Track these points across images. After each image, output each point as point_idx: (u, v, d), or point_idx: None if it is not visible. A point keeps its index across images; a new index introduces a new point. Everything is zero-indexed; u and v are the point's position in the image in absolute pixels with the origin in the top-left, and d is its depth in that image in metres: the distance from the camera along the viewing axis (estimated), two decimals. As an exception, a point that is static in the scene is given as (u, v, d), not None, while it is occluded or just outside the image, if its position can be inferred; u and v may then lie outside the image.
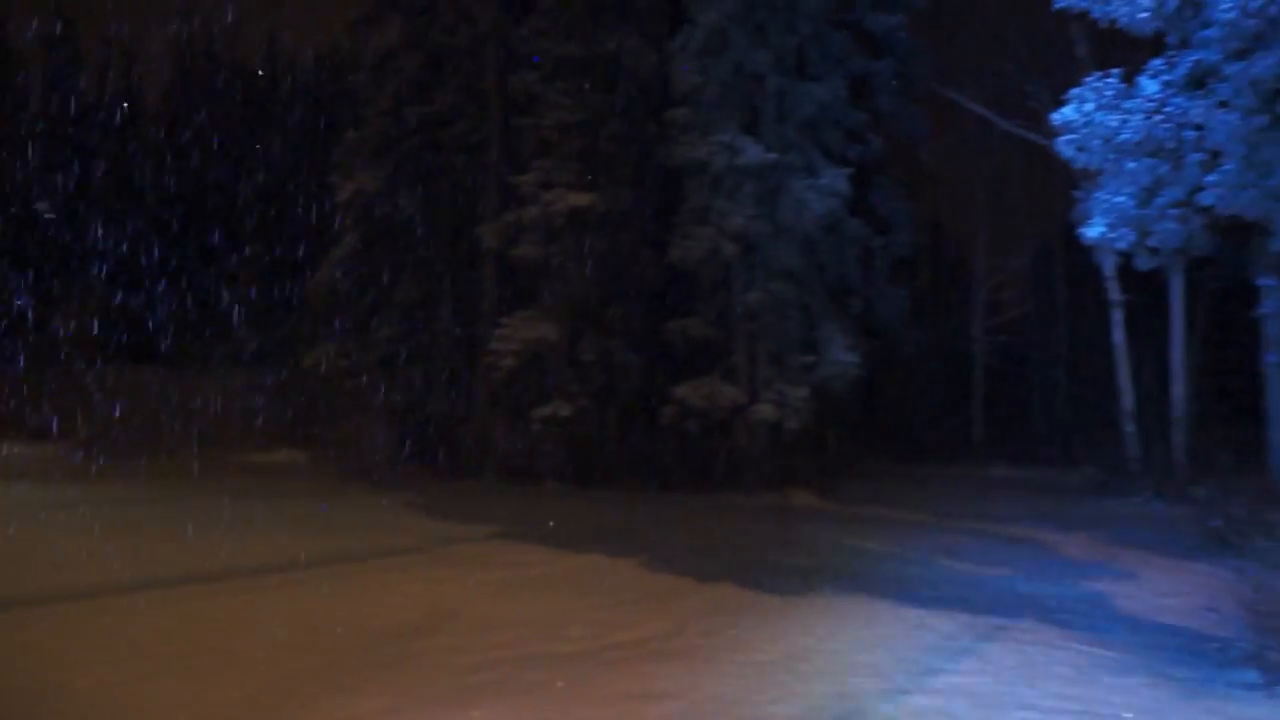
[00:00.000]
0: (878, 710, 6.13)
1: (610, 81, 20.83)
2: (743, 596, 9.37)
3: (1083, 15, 7.59)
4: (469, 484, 19.59)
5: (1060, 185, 21.87)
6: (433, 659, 7.00)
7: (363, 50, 23.93)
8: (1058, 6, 7.66)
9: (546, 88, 20.34)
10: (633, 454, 21.13)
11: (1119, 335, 21.94)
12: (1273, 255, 8.48)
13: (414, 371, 23.16)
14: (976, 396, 32.59)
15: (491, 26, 22.18)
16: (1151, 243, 8.18)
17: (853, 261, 20.71)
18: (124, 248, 30.71)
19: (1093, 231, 8.25)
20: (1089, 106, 7.50)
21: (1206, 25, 7.03)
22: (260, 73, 39.51)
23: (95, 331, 27.59)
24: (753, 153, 19.01)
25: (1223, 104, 6.96)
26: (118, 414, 22.44)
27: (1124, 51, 10.39)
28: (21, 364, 24.70)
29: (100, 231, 30.30)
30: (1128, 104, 7.37)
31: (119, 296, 29.93)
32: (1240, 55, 6.84)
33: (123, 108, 36.08)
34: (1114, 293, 21.81)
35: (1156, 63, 7.68)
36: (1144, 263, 8.72)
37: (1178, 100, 7.30)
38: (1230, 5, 6.68)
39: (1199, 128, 7.08)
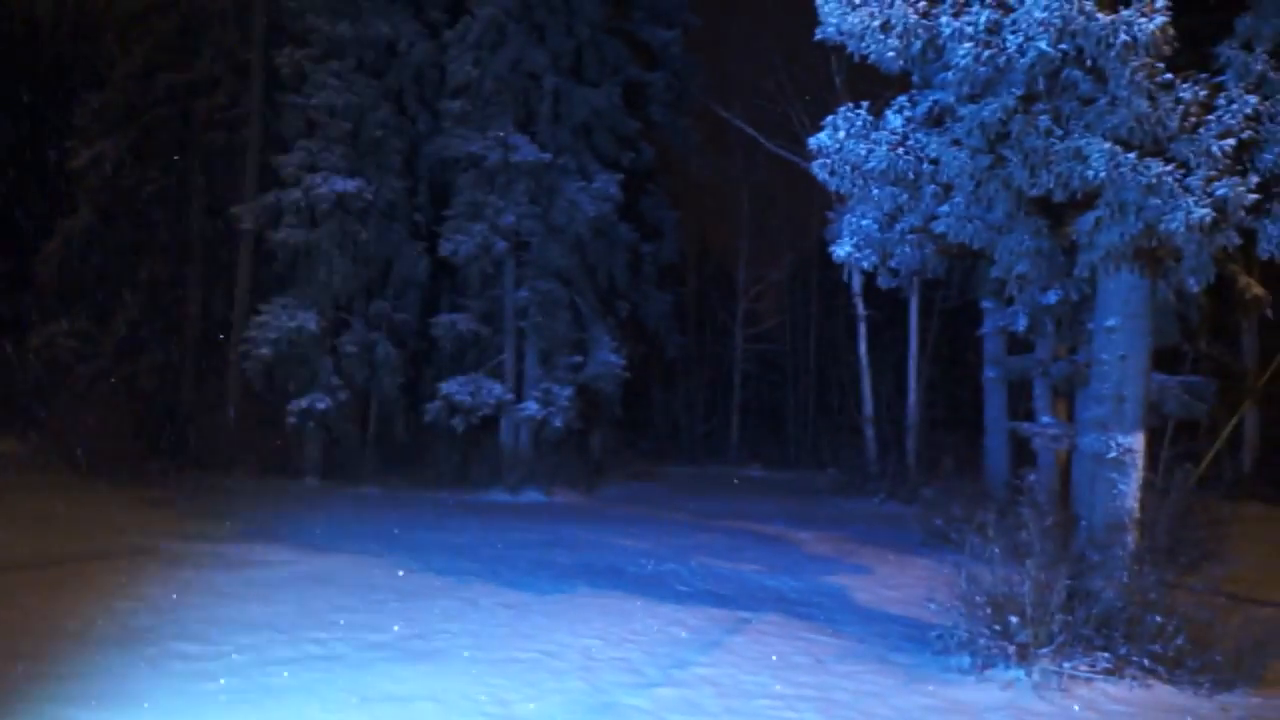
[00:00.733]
0: (627, 703, 6.29)
1: (384, 66, 20.27)
2: (499, 595, 9.35)
3: (840, 48, 8.09)
4: (219, 480, 18.44)
5: (816, 205, 23.26)
6: (168, 665, 6.55)
7: (110, 6, 22.09)
8: (819, 38, 8.13)
9: (315, 67, 19.51)
10: (395, 450, 20.67)
11: (863, 347, 23.56)
12: (993, 281, 9.36)
13: (158, 357, 21.61)
14: (735, 401, 34.04)
15: (258, -4, 21.07)
16: (892, 264, 8.85)
17: (622, 265, 21.17)
18: None
19: (841, 250, 8.83)
20: (841, 134, 8.02)
21: (945, 69, 7.68)
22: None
23: None
24: (527, 151, 19.06)
25: (956, 142, 7.62)
26: None
27: (876, 85, 11.20)
28: None
29: None
30: (875, 135, 7.93)
31: None
32: (972, 99, 7.52)
33: None
34: (860, 308, 23.39)
35: (901, 99, 8.32)
36: (885, 281, 9.41)
37: (918, 135, 7.93)
38: (965, 52, 7.33)
39: (934, 162, 7.72)
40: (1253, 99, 7.13)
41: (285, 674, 6.53)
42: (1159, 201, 7.06)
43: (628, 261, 21.43)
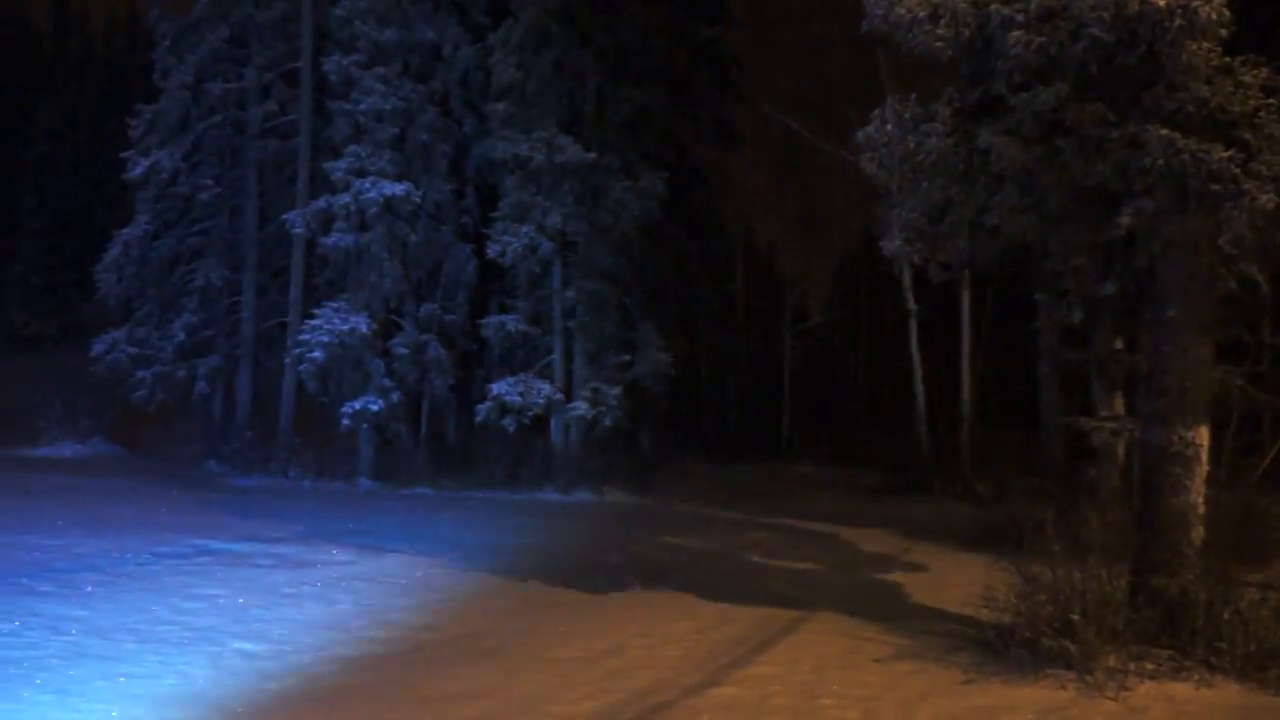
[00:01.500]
0: (684, 703, 6.28)
1: (429, 70, 20.46)
2: (553, 594, 9.40)
3: (888, 40, 8.00)
4: (275, 481, 18.75)
5: (865, 199, 23.05)
6: (230, 664, 6.67)
7: (163, 19, 22.53)
8: (865, 30, 8.04)
9: (362, 73, 19.74)
10: (447, 451, 20.85)
11: (914, 342, 23.30)
12: (1047, 273, 9.19)
13: (215, 362, 22.02)
14: (785, 398, 33.86)
15: (306, 4, 21.35)
16: (943, 258, 8.72)
17: (669, 263, 21.14)
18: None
19: (890, 245, 8.71)
20: (889, 127, 7.92)
21: (996, 58, 7.55)
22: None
23: None
24: (572, 151, 19.09)
25: (1007, 132, 7.48)
26: None
27: (924, 77, 11.06)
28: None
29: None
30: (924, 127, 7.82)
31: None
32: (1024, 88, 7.38)
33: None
34: (910, 303, 23.14)
35: (950, 90, 8.20)
36: (936, 276, 9.28)
37: (968, 126, 7.81)
38: (1016, 41, 7.20)
39: (986, 153, 7.59)
40: (1317, 80, 6.92)
41: (344, 673, 6.61)
42: (1220, 188, 6.87)
43: (674, 260, 21.39)
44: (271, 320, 22.39)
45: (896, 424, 27.56)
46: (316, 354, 18.61)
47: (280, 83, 22.13)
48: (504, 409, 19.06)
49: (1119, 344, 13.58)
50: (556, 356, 20.33)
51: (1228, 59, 7.04)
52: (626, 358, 20.26)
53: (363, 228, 19.28)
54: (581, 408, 19.38)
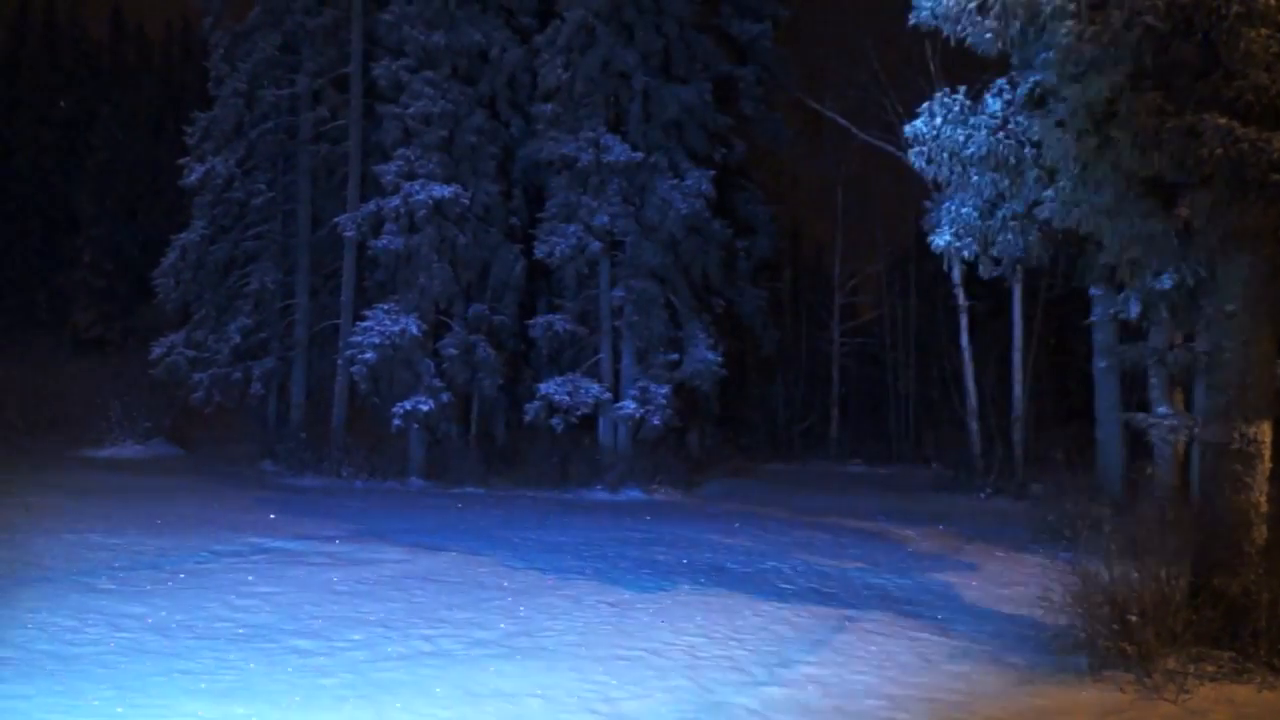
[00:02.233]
0: (734, 702, 6.26)
1: (476, 73, 20.61)
2: (603, 593, 9.41)
3: (935, 33, 7.91)
4: (327, 480, 19.03)
5: (913, 195, 22.81)
6: (285, 661, 6.78)
7: (216, 28, 22.96)
8: (912, 24, 7.96)
9: (411, 76, 19.95)
10: (496, 450, 21.02)
11: (965, 339, 23.01)
12: (1102, 267, 9.02)
13: (269, 365, 22.40)
14: (834, 396, 33.62)
15: (355, 11, 21.63)
16: (993, 252, 8.61)
17: (716, 262, 21.10)
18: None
19: (940, 240, 8.62)
20: (938, 121, 7.84)
21: (1047, 48, 7.43)
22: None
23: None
24: (619, 151, 19.14)
25: (1059, 124, 7.36)
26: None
27: (972, 70, 10.91)
28: None
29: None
30: (973, 119, 7.74)
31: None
32: (1076, 78, 7.25)
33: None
34: (960, 298, 22.84)
35: (1000, 82, 8.09)
36: (986, 271, 9.16)
37: (1019, 118, 7.70)
38: (1068, 30, 7.08)
39: (1037, 145, 7.48)
40: (1383, 66, 6.71)
41: (396, 670, 6.68)
42: (1281, 178, 6.70)
43: (722, 258, 21.35)
44: (324, 322, 22.72)
45: (948, 421, 27.22)
46: (368, 355, 18.85)
47: (331, 88, 22.44)
48: (552, 409, 19.17)
49: (1178, 338, 13.30)
50: (604, 356, 20.39)
51: (1288, 45, 6.86)
52: (674, 356, 20.25)
53: (412, 230, 19.49)
54: (630, 407, 19.41)
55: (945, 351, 28.58)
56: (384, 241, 19.54)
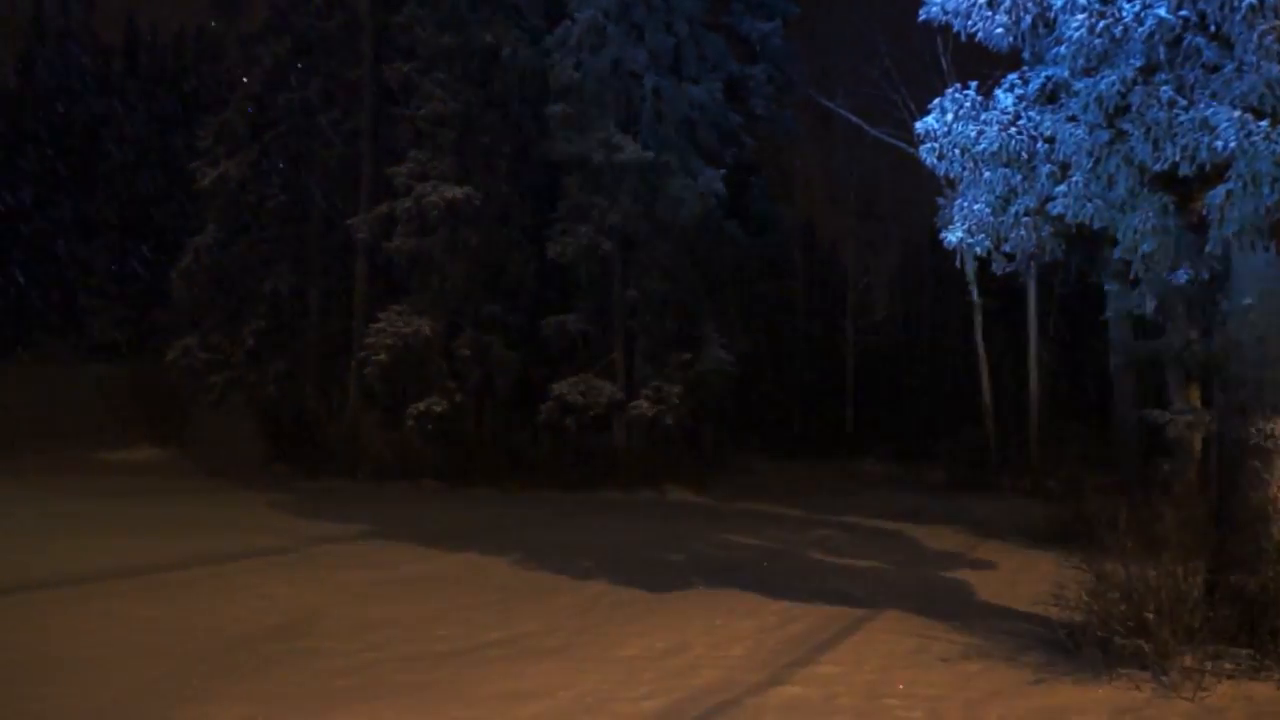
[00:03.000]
0: (748, 702, 6.24)
1: (487, 73, 20.64)
2: (616, 593, 9.41)
3: (946, 28, 7.87)
4: (341, 482, 19.09)
5: (925, 191, 22.70)
6: (297, 663, 6.80)
7: (228, 32, 23.08)
8: (923, 19, 7.92)
9: (422, 78, 20.00)
10: (509, 450, 21.02)
11: (979, 335, 22.92)
12: (1116, 262, 8.95)
13: (283, 366, 22.49)
14: (848, 394, 33.53)
15: (365, 13, 21.70)
16: (1006, 249, 8.53)
17: (728, 260, 21.07)
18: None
19: (952, 236, 8.55)
20: (949, 117, 7.78)
21: (1058, 43, 7.37)
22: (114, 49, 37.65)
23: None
24: (631, 150, 19.14)
25: (1071, 118, 7.30)
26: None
27: (984, 65, 10.85)
28: None
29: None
30: (985, 115, 7.67)
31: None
32: (1088, 72, 7.19)
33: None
34: (974, 295, 22.75)
35: (1012, 77, 8.03)
36: (1000, 268, 9.09)
37: (1031, 114, 7.63)
38: (1079, 24, 7.02)
39: (1050, 140, 7.42)
40: (1399, 58, 6.63)
41: (411, 671, 6.69)
42: (1296, 171, 6.62)
43: (734, 256, 21.32)
44: (337, 324, 22.79)
45: (962, 419, 27.10)
46: (382, 356, 18.90)
47: (342, 91, 22.52)
48: (565, 408, 19.18)
49: (1193, 334, 13.20)
50: (617, 355, 20.38)
51: (1303, 37, 6.78)
52: (687, 356, 20.24)
53: (425, 231, 19.53)
54: (642, 406, 19.41)
55: (959, 348, 28.48)
56: (397, 243, 19.61)
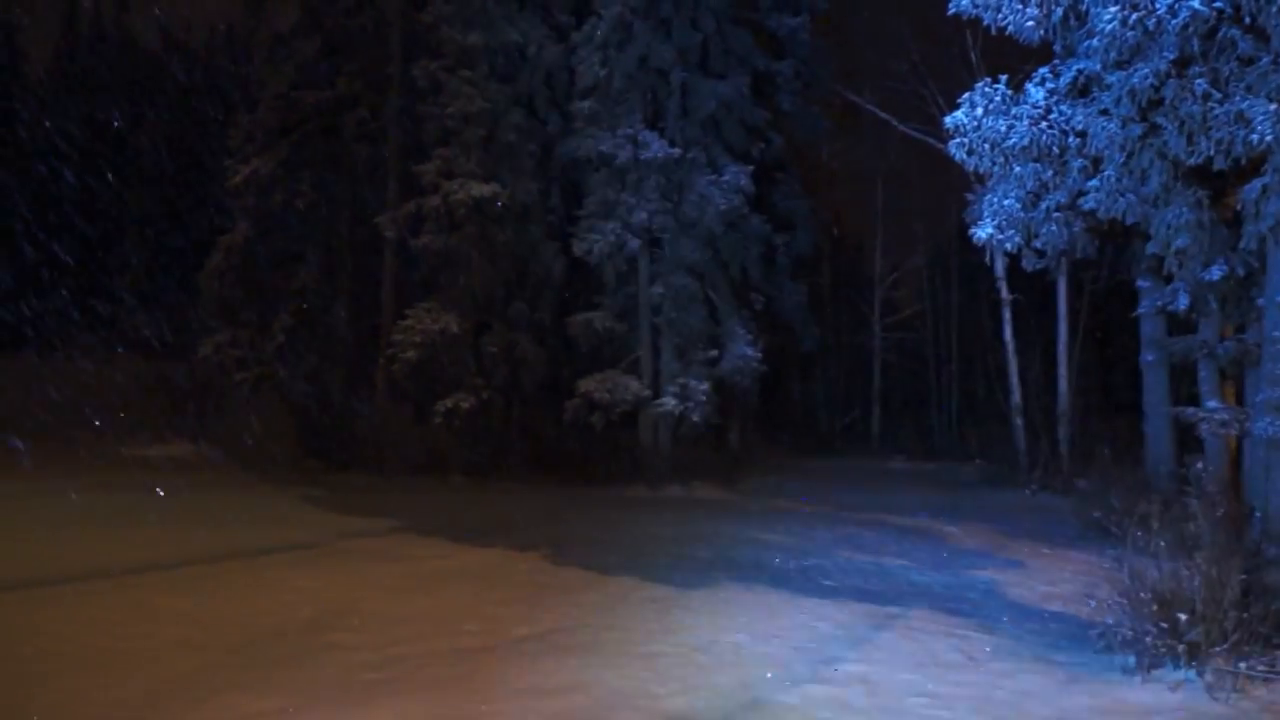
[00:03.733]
0: (776, 700, 6.22)
1: (514, 71, 20.68)
2: (644, 589, 9.41)
3: (975, 22, 7.81)
4: (369, 478, 19.22)
5: (954, 187, 22.55)
6: (326, 656, 6.85)
7: (258, 31, 23.27)
8: (952, 12, 7.86)
9: (449, 76, 20.06)
10: (536, 447, 21.07)
11: (1008, 333, 22.72)
12: (1149, 258, 8.85)
13: (313, 363, 22.66)
14: (875, 391, 33.35)
15: (394, 12, 21.80)
16: (1037, 244, 8.47)
17: (755, 257, 21.01)
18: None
19: (982, 232, 8.51)
20: (979, 111, 7.73)
21: (1090, 35, 7.29)
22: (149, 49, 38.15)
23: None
24: (657, 147, 19.11)
25: (1103, 112, 7.23)
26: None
27: (1014, 59, 10.76)
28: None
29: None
30: (1015, 109, 7.61)
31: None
32: (1120, 65, 7.11)
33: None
34: (1004, 292, 22.56)
35: (1043, 70, 7.96)
36: (1030, 264, 9.03)
37: (1062, 107, 7.57)
38: (1111, 17, 6.95)
39: (1081, 134, 7.35)
40: None
41: (439, 666, 6.73)
42: (1335, 165, 6.53)
43: (761, 253, 21.25)
44: (366, 321, 22.94)
45: (991, 416, 26.90)
46: (409, 353, 19.00)
47: (371, 89, 22.64)
48: (592, 406, 19.19)
49: (1228, 330, 13.02)
50: (644, 352, 20.37)
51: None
52: (714, 353, 20.19)
53: (452, 228, 19.60)
54: (669, 403, 19.39)
55: (988, 346, 28.26)
56: (424, 240, 19.68)
